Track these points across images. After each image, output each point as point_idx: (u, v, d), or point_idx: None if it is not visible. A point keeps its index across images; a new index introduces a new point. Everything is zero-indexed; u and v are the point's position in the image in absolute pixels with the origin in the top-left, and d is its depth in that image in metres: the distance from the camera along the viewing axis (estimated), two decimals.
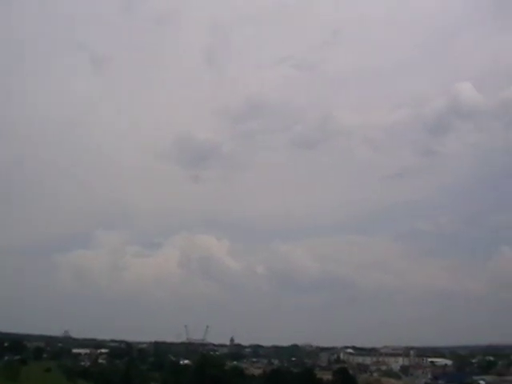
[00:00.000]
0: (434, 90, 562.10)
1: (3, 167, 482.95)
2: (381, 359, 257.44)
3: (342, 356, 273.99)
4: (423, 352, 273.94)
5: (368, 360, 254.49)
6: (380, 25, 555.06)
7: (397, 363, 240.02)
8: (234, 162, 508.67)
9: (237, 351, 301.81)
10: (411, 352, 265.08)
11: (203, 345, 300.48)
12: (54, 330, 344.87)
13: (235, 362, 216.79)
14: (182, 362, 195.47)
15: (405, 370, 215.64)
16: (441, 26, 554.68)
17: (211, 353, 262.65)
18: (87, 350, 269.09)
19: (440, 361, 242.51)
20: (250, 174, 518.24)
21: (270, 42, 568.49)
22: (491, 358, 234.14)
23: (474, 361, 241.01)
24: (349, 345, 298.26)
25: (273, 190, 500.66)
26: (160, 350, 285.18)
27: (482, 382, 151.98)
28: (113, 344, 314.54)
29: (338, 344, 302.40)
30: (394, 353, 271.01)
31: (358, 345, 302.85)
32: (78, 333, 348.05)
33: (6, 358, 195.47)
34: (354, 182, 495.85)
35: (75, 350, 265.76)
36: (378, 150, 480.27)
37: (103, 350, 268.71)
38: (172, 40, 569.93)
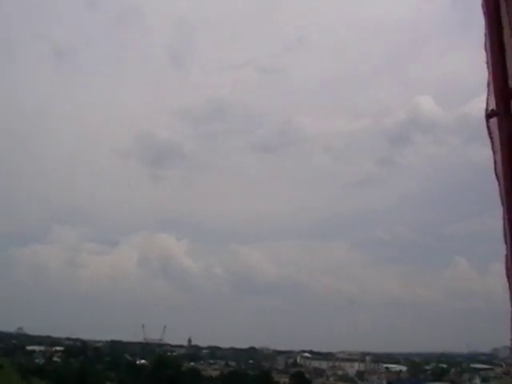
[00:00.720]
0: (396, 101, 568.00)
1: None
2: (337, 364, 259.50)
3: (298, 360, 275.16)
4: (378, 358, 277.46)
5: (324, 364, 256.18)
6: (344, 34, 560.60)
7: (352, 368, 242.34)
8: (195, 162, 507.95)
9: (194, 352, 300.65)
10: (367, 358, 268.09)
11: (160, 345, 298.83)
12: (8, 326, 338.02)
13: (192, 363, 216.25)
14: (138, 362, 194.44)
15: (360, 375, 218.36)
16: (405, 37, 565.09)
17: (168, 353, 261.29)
18: (42, 348, 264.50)
19: (395, 367, 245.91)
20: (211, 175, 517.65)
21: (234, 44, 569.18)
22: (444, 366, 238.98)
23: (427, 367, 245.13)
24: (306, 349, 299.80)
25: (233, 193, 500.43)
26: (116, 349, 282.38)
27: None
28: (68, 342, 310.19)
29: (296, 348, 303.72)
30: (350, 358, 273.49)
31: (315, 349, 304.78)
32: (32, 329, 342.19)
33: None
34: (314, 188, 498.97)
35: (29, 347, 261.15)
36: (337, 158, 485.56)
37: (58, 348, 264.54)
38: (135, 37, 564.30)
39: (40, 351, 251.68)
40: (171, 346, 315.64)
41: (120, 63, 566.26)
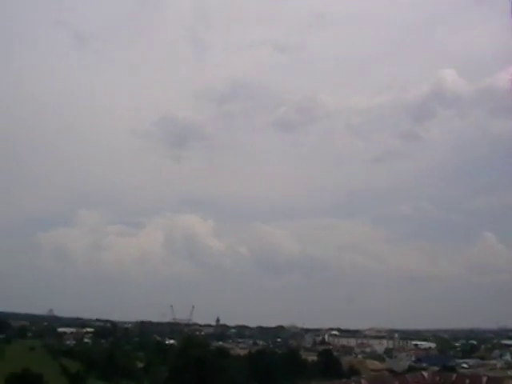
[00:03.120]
0: (418, 75, 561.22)
1: None
2: (365, 341, 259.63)
3: (326, 338, 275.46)
4: (407, 335, 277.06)
5: (352, 342, 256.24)
6: (366, 10, 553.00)
7: (381, 345, 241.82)
8: (217, 142, 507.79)
9: (222, 332, 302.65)
10: (395, 335, 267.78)
11: (188, 325, 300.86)
12: (39, 308, 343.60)
13: (220, 343, 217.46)
14: (167, 342, 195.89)
15: (389, 352, 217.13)
16: (426, 11, 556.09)
17: (196, 333, 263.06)
18: (72, 329, 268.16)
19: (423, 344, 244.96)
20: (233, 154, 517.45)
21: (255, 22, 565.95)
22: (474, 342, 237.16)
23: (457, 344, 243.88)
24: (334, 327, 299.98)
25: (255, 172, 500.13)
26: (145, 329, 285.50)
27: (464, 365, 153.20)
28: (98, 323, 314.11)
29: (323, 326, 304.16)
30: (378, 335, 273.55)
31: (343, 327, 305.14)
32: (62, 312, 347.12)
33: None
34: (336, 165, 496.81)
35: (60, 329, 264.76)
36: (359, 135, 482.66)
37: (88, 330, 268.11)
38: (155, 20, 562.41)
39: (71, 333, 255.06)
40: (199, 325, 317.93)
41: (140, 46, 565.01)
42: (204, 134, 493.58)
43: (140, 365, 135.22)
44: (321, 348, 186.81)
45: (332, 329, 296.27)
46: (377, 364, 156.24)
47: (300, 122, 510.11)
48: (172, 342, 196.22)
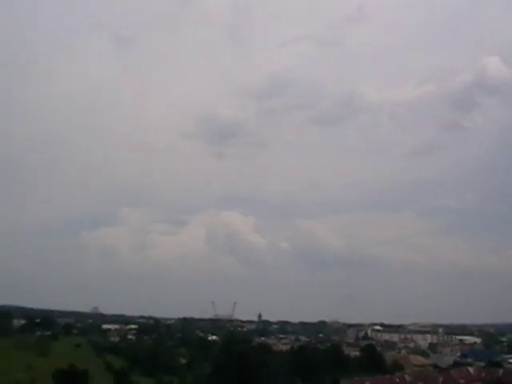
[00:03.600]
0: (460, 64, 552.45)
1: (28, 149, 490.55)
2: (409, 336, 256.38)
3: (369, 333, 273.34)
4: (451, 330, 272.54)
5: (396, 337, 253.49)
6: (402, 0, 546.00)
7: (425, 341, 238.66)
8: (258, 139, 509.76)
9: (264, 327, 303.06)
10: (439, 329, 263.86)
11: (230, 321, 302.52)
12: (84, 306, 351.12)
13: (262, 338, 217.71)
14: (209, 338, 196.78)
15: (433, 347, 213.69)
16: None
17: (238, 329, 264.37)
18: (116, 326, 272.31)
19: (469, 339, 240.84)
20: (274, 151, 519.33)
21: (294, 18, 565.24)
22: None
23: (503, 339, 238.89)
24: (376, 321, 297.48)
25: (297, 167, 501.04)
26: (187, 326, 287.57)
27: (511, 360, 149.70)
28: (141, 320, 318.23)
29: (366, 321, 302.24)
30: (422, 330, 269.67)
31: (386, 322, 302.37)
32: (107, 309, 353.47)
33: (38, 333, 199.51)
34: (378, 158, 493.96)
35: (104, 326, 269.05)
36: (402, 126, 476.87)
37: (132, 326, 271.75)
38: (194, 18, 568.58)
39: (115, 330, 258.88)
40: (241, 321, 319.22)
41: (181, 46, 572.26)
42: (246, 131, 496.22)
43: (183, 361, 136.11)
44: (363, 343, 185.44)
45: (375, 324, 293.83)
46: (421, 359, 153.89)
47: (341, 116, 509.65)
48: (214, 337, 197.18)
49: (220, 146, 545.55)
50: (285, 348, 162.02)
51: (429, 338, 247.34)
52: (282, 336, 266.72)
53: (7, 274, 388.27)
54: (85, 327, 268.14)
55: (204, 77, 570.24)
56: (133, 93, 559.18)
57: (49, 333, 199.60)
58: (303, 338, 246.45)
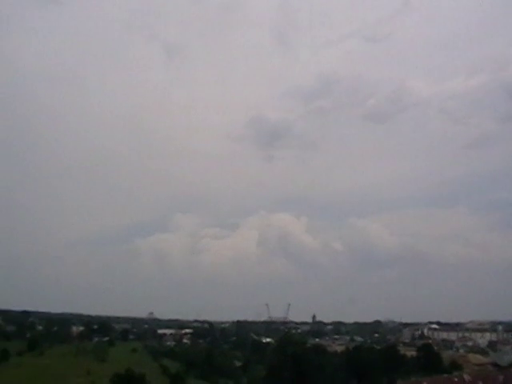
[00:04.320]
0: None
1: (83, 159, 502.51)
2: (467, 335, 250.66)
3: (426, 332, 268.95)
4: (511, 327, 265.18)
5: (453, 336, 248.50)
6: None
7: (483, 339, 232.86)
8: (307, 140, 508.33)
9: (318, 329, 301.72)
10: (499, 327, 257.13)
11: (285, 323, 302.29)
12: (140, 312, 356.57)
13: (317, 340, 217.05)
14: (263, 341, 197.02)
15: (492, 345, 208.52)
16: None
17: (293, 331, 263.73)
18: (172, 331, 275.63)
19: None
20: (324, 151, 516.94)
21: (339, 16, 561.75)
22: None
23: None
24: (433, 320, 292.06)
25: (347, 166, 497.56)
26: (242, 329, 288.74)
27: None
28: (196, 324, 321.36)
29: (422, 319, 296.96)
30: (481, 328, 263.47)
31: (443, 320, 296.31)
32: (162, 314, 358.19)
33: (95, 339, 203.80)
34: (430, 153, 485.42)
35: (160, 331, 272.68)
36: (454, 119, 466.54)
37: (187, 331, 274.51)
38: (241, 22, 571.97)
39: (170, 334, 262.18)
40: (295, 323, 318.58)
41: (228, 51, 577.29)
42: (294, 132, 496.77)
43: (238, 364, 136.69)
44: (420, 342, 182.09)
45: (431, 322, 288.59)
46: (480, 358, 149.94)
47: (391, 112, 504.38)
48: (269, 340, 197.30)
49: (270, 148, 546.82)
50: (339, 349, 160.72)
51: (487, 335, 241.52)
52: (336, 337, 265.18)
53: (65, 282, 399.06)
54: (141, 332, 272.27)
55: (252, 80, 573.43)
56: (182, 100, 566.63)
57: (106, 338, 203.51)
58: (358, 339, 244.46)
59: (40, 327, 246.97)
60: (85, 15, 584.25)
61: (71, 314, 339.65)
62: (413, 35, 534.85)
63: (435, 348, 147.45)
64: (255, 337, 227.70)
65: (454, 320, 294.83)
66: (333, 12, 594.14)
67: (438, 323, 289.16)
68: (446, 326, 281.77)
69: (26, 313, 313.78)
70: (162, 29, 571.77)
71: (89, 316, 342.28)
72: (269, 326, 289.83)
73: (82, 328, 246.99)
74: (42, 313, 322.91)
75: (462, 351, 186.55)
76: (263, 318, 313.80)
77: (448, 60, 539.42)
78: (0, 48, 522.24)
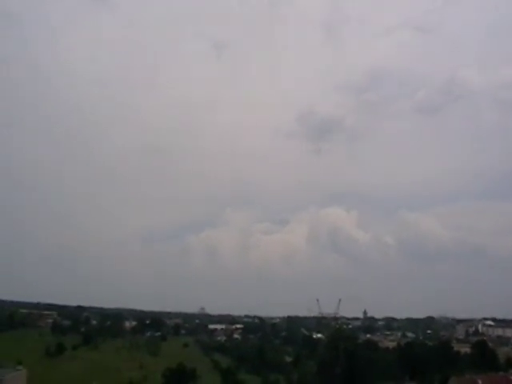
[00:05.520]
0: None
1: (135, 157, 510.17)
2: None
3: (480, 328, 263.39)
4: None
5: (509, 332, 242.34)
6: None
7: None
8: (357, 133, 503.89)
9: (370, 324, 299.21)
10: None
11: (336, 318, 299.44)
12: (192, 307, 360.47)
13: (368, 335, 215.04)
14: (314, 336, 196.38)
15: None
16: None
17: (344, 326, 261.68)
18: (222, 326, 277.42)
19: None
20: (374, 144, 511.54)
21: (386, 7, 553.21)
22: None
23: None
24: (488, 316, 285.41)
25: (397, 159, 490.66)
26: (292, 324, 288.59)
27: None
28: (247, 319, 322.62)
29: (477, 315, 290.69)
30: None
31: (499, 316, 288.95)
32: (213, 309, 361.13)
33: (148, 334, 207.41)
34: (484, 145, 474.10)
35: (211, 326, 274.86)
36: (509, 110, 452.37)
37: (238, 326, 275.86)
38: (290, 17, 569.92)
39: (221, 329, 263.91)
40: (347, 318, 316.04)
41: (276, 46, 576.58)
42: (344, 126, 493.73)
43: (288, 359, 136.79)
44: (474, 339, 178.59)
45: (486, 318, 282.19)
46: None
47: (442, 104, 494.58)
48: (319, 335, 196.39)
49: (319, 142, 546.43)
50: (391, 345, 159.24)
51: None
52: (388, 333, 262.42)
53: (119, 279, 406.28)
54: (192, 327, 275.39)
55: (302, 75, 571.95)
56: (231, 96, 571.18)
57: (158, 333, 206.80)
58: (410, 335, 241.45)
59: (94, 322, 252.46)
60: (135, 16, 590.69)
61: (124, 310, 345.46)
62: (462, 24, 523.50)
63: (490, 345, 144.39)
64: (306, 332, 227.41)
65: (510, 316, 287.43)
66: (382, 4, 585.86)
67: (493, 319, 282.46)
68: (501, 323, 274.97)
69: (80, 308, 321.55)
70: (211, 25, 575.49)
71: (141, 311, 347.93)
72: (319, 322, 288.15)
73: (134, 323, 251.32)
74: (97, 308, 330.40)
75: None
76: (314, 314, 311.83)
77: (501, 48, 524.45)
78: (55, 52, 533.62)
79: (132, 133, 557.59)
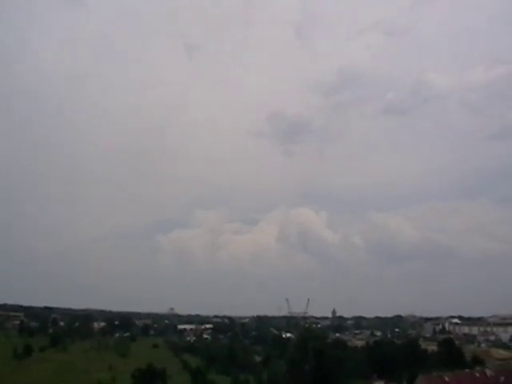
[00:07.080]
0: None
1: (104, 159, 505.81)
2: (489, 329, 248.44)
3: (447, 326, 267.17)
4: None
5: (475, 330, 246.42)
6: None
7: (506, 333, 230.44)
8: (326, 134, 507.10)
9: (339, 323, 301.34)
10: None
11: (305, 318, 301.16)
12: (161, 307, 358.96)
13: (338, 335, 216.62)
14: (284, 336, 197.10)
15: None
16: None
17: (313, 325, 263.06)
18: (192, 326, 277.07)
19: None
20: (344, 145, 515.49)
21: (358, 9, 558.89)
22: None
23: None
24: (454, 314, 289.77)
25: (366, 160, 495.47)
26: (262, 324, 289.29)
27: None
28: (216, 319, 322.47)
29: (443, 314, 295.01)
30: (504, 322, 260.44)
31: (465, 314, 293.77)
32: (182, 310, 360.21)
33: (117, 335, 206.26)
34: (451, 146, 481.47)
35: (180, 326, 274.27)
36: (475, 111, 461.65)
37: (207, 326, 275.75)
38: (260, 18, 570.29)
39: (190, 329, 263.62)
40: (316, 318, 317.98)
41: (247, 47, 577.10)
42: (315, 127, 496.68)
43: (258, 359, 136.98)
44: (441, 337, 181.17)
45: (453, 317, 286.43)
46: (503, 353, 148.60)
47: (411, 105, 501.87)
48: (289, 335, 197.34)
49: (289, 143, 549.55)
50: (360, 344, 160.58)
51: (510, 330, 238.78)
52: (357, 332, 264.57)
53: (87, 279, 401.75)
54: (162, 328, 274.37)
55: (272, 76, 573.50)
56: (201, 97, 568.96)
57: (127, 334, 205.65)
58: (379, 333, 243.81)
59: (62, 323, 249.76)
60: (106, 16, 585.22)
61: (93, 310, 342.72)
62: (431, 28, 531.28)
63: (457, 343, 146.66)
64: (276, 332, 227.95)
65: (476, 314, 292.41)
66: (352, 6, 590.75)
67: (460, 318, 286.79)
68: (467, 321, 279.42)
69: (48, 309, 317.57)
70: (183, 26, 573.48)
71: (110, 312, 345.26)
72: (289, 321, 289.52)
73: (103, 324, 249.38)
74: (65, 309, 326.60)
75: (484, 346, 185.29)
76: (283, 313, 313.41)
77: (467, 52, 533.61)
78: (22, 48, 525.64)
79: (104, 133, 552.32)
